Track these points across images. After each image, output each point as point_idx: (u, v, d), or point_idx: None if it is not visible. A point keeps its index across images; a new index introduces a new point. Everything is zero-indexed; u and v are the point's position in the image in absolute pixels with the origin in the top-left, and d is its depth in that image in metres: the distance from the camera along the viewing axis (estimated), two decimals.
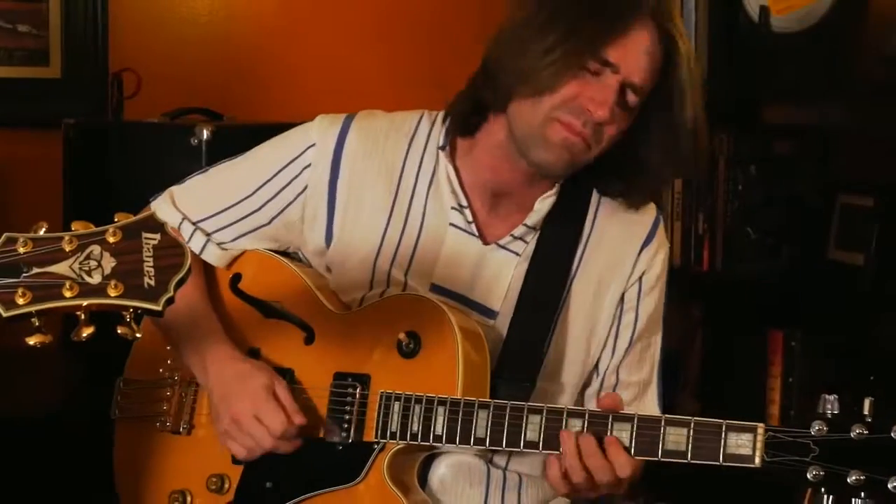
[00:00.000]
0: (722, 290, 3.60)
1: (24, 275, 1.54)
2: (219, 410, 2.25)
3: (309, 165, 2.30)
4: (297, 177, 2.31)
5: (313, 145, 2.31)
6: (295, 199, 2.31)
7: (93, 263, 1.55)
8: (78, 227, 1.58)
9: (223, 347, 2.28)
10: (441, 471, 2.28)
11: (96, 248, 1.56)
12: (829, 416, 1.95)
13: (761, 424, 2.00)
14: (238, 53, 4.12)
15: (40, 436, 3.27)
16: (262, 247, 2.37)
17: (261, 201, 2.33)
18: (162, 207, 2.36)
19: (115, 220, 1.59)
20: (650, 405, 2.37)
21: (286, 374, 2.27)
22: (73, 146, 3.48)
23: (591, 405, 2.33)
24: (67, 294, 1.54)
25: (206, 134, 3.20)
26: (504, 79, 2.16)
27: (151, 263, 1.56)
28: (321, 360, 2.27)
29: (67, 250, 1.56)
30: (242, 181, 2.35)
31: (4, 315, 1.54)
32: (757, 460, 1.99)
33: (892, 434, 1.92)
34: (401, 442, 2.17)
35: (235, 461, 2.28)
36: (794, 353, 3.39)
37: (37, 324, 1.55)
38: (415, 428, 2.15)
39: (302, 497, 2.22)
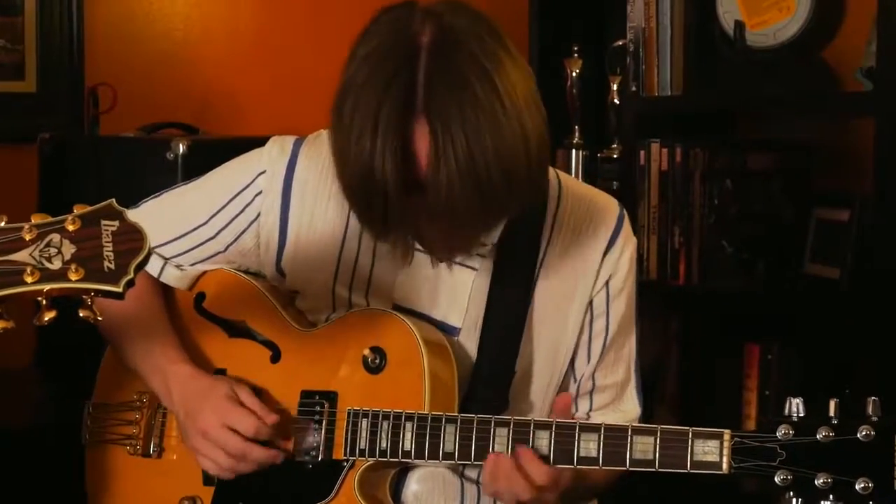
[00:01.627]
0: (698, 303, 3.58)
1: None
2: (186, 428, 2.23)
3: (260, 192, 2.26)
4: (249, 204, 2.27)
5: (263, 172, 2.26)
6: (248, 226, 2.28)
7: (53, 250, 1.59)
8: (37, 218, 1.61)
9: (181, 367, 2.26)
10: (414, 486, 2.25)
11: (56, 236, 1.59)
12: (795, 419, 1.94)
13: (727, 431, 1.98)
14: (213, 69, 4.12)
15: (10, 453, 3.21)
16: (221, 268, 2.35)
17: (215, 229, 2.30)
18: None
19: (73, 210, 1.62)
20: (629, 404, 2.34)
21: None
22: (48, 160, 3.47)
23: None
24: (28, 280, 1.57)
25: (181, 148, 3.19)
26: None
27: (111, 248, 1.60)
28: (288, 378, 2.25)
29: (27, 239, 1.59)
30: (196, 209, 2.31)
31: None
32: (724, 466, 1.97)
33: (859, 436, 1.90)
34: (370, 459, 2.15)
35: (207, 482, 2.26)
36: (770, 366, 3.36)
37: None
38: (383, 444, 2.14)
39: None
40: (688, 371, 3.63)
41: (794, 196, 3.43)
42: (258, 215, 2.26)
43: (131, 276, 1.59)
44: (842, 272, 3.21)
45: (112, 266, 1.59)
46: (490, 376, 2.22)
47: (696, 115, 3.63)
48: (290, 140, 2.29)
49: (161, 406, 2.33)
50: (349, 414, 2.17)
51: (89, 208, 1.63)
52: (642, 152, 3.63)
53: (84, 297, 1.60)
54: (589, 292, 2.26)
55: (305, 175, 2.25)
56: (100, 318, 1.61)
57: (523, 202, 2.02)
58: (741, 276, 3.43)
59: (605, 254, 2.25)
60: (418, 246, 2.17)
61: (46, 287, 1.57)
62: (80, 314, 1.60)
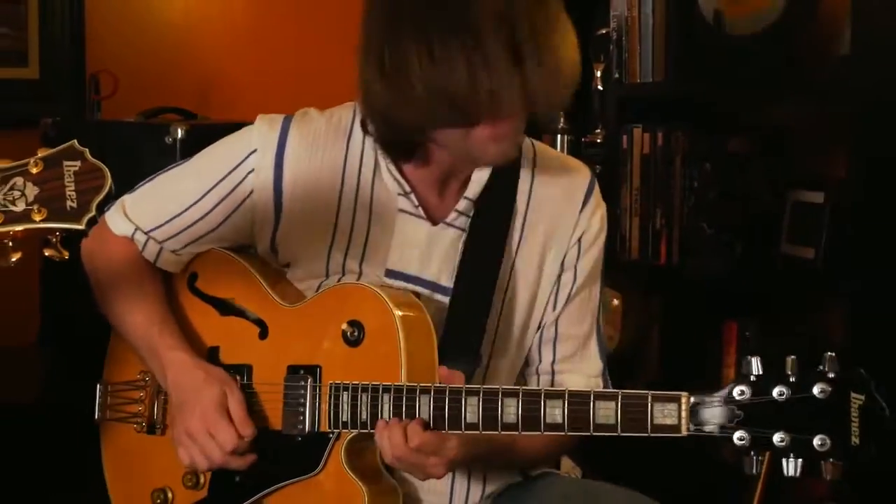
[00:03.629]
0: (679, 283, 3.60)
1: None
2: (174, 417, 2.27)
3: (252, 171, 2.27)
4: (241, 182, 2.28)
5: (255, 151, 2.27)
6: (241, 203, 2.29)
7: (16, 193, 1.60)
8: (1, 163, 1.64)
9: (177, 354, 2.28)
10: None
11: (19, 180, 1.62)
12: (753, 378, 1.92)
13: (685, 393, 1.98)
14: (211, 55, 4.12)
15: (16, 429, 3.23)
16: (214, 247, 2.36)
17: (207, 208, 2.30)
18: (114, 218, 2.34)
19: (38, 153, 1.65)
20: (592, 359, 2.37)
21: (245, 371, 2.28)
22: (51, 144, 3.34)
23: (532, 360, 2.35)
24: None
25: (180, 133, 3.22)
26: (428, 109, 2.06)
27: (73, 188, 1.61)
28: (275, 354, 2.26)
29: None
30: (189, 189, 2.31)
31: None
32: (683, 429, 1.97)
33: (815, 392, 1.89)
34: (353, 430, 2.17)
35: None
36: (747, 343, 3.37)
37: None
38: (364, 416, 2.15)
39: (268, 489, 2.24)
40: (668, 348, 3.66)
41: (771, 179, 3.40)
42: (251, 192, 2.27)
43: (93, 213, 1.62)
44: (816, 252, 3.21)
45: (74, 205, 1.60)
46: (460, 335, 2.24)
47: (677, 101, 3.63)
48: (278, 117, 2.30)
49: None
50: (331, 388, 2.18)
51: (52, 150, 1.65)
52: (625, 137, 3.66)
53: (49, 237, 1.62)
54: (565, 247, 2.31)
55: (297, 149, 2.26)
56: (65, 256, 1.64)
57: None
58: (720, 256, 3.44)
59: (579, 213, 2.31)
60: (419, 211, 2.24)
61: (11, 229, 1.60)
62: (46, 253, 1.63)
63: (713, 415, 1.94)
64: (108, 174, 1.64)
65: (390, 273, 2.27)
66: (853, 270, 3.03)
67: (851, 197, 3.07)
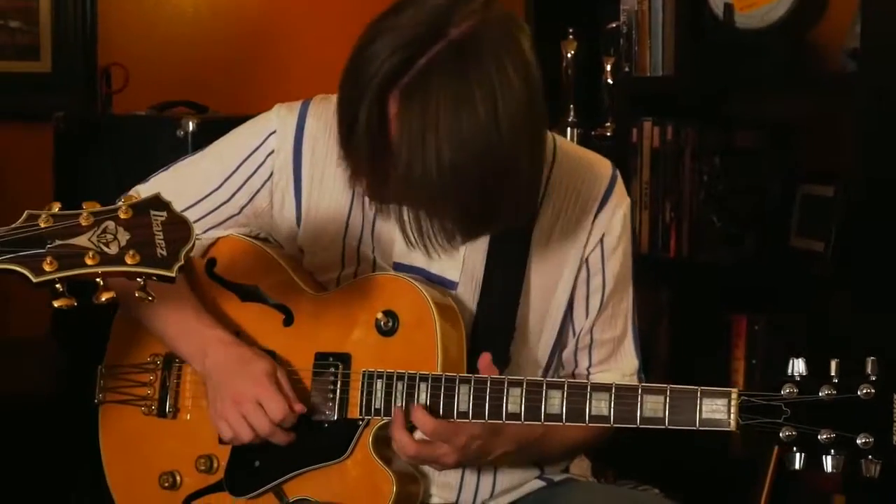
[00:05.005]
0: (688, 276, 3.59)
1: (49, 246, 1.65)
2: (217, 391, 2.21)
3: (272, 152, 2.26)
4: (261, 164, 2.27)
5: (274, 132, 2.26)
6: (262, 186, 2.27)
7: (109, 236, 1.67)
8: (89, 206, 1.69)
9: (220, 332, 2.24)
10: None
11: (111, 224, 1.68)
12: (798, 378, 1.97)
13: (735, 389, 2.00)
14: (223, 48, 4.13)
15: (28, 422, 3.26)
16: (233, 233, 2.33)
17: (229, 193, 2.29)
18: None
19: (120, 201, 1.71)
20: (627, 358, 2.34)
21: None
22: (62, 139, 3.48)
23: (568, 367, 2.34)
24: (89, 262, 1.65)
25: (191, 126, 3.21)
26: None
27: (161, 236, 1.69)
28: (301, 341, 2.24)
29: (84, 225, 1.67)
30: (208, 175, 2.30)
31: (34, 281, 1.64)
32: (732, 424, 1.99)
33: (859, 393, 1.93)
34: (385, 418, 2.15)
35: (223, 441, 2.24)
36: (756, 336, 3.37)
37: (60, 289, 1.66)
38: (398, 404, 2.13)
39: (291, 474, 2.20)
40: (678, 341, 3.64)
41: (780, 172, 3.43)
42: (271, 174, 2.26)
43: (182, 262, 1.68)
44: (826, 246, 3.21)
45: (164, 253, 1.68)
46: (491, 333, 2.22)
47: (687, 95, 3.64)
48: (297, 102, 2.29)
49: (176, 367, 2.31)
50: (364, 375, 2.16)
51: (138, 199, 1.72)
52: (635, 130, 3.65)
53: (138, 279, 1.67)
54: (581, 250, 2.26)
55: (315, 133, 2.25)
56: (151, 298, 1.69)
57: (482, 229, 2.07)
58: (729, 249, 3.44)
59: (597, 213, 2.25)
60: None
61: (106, 270, 1.65)
62: (136, 295, 1.68)
63: (761, 411, 1.97)
64: (193, 227, 1.72)
65: (398, 266, 2.25)
66: (862, 264, 3.03)
67: (861, 190, 3.07)
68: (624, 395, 2.04)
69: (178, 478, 2.28)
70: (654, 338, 3.65)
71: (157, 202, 1.72)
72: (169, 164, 2.36)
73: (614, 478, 2.82)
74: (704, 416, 2.00)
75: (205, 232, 2.32)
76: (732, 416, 1.99)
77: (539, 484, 2.33)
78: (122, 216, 1.69)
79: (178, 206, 2.26)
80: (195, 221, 2.21)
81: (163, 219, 1.71)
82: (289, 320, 2.26)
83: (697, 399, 2.00)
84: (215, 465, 2.26)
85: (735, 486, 3.03)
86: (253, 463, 2.22)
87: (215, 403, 2.20)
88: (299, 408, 2.16)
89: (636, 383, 2.19)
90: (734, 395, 1.99)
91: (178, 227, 1.71)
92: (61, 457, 3.14)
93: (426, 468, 2.22)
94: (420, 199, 2.00)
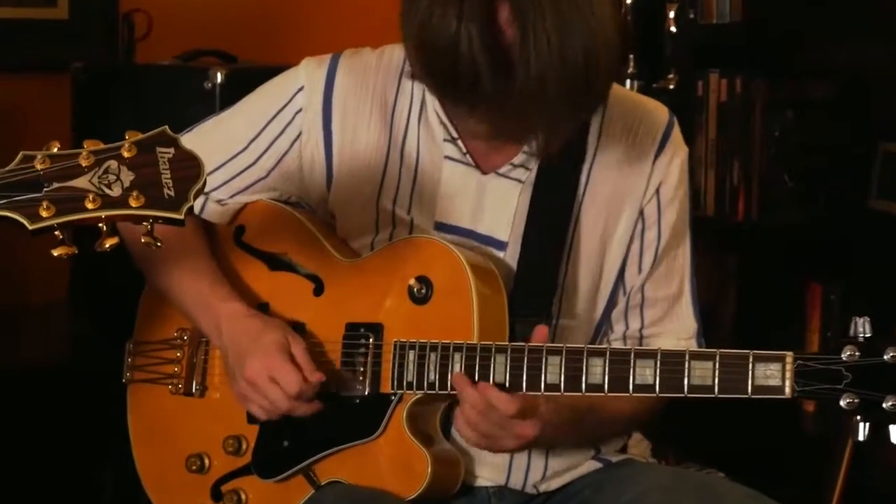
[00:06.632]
0: (757, 241, 3.59)
1: (46, 189, 1.61)
2: (234, 371, 2.23)
3: (300, 110, 2.28)
4: (289, 123, 2.28)
5: (301, 89, 2.28)
6: (290, 147, 2.29)
7: (112, 177, 1.63)
8: (91, 144, 1.65)
9: (233, 305, 2.26)
10: None
11: (113, 163, 1.64)
12: (861, 339, 1.92)
13: (790, 353, 1.96)
14: None
15: (48, 390, 3.29)
16: (262, 197, 2.35)
17: (256, 154, 2.30)
18: None
19: (126, 137, 1.66)
20: (684, 319, 2.34)
21: (297, 329, 2.26)
22: (81, 90, 3.46)
23: (618, 327, 2.33)
24: (90, 206, 1.61)
25: (220, 77, 3.20)
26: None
27: (169, 175, 1.64)
28: (332, 311, 2.25)
29: (84, 165, 1.63)
30: (234, 135, 2.32)
31: (30, 228, 1.61)
32: (787, 391, 1.96)
33: None
34: (418, 392, 2.15)
35: (251, 421, 2.27)
36: (832, 306, 3.38)
37: (60, 237, 1.62)
38: (431, 377, 2.13)
39: (321, 454, 2.22)
40: (745, 312, 3.64)
41: (858, 128, 3.43)
42: (299, 134, 2.27)
43: (191, 203, 1.64)
44: None
45: (171, 193, 1.63)
46: (531, 292, 2.22)
47: (757, 44, 3.60)
48: (326, 56, 2.29)
49: (203, 343, 2.35)
50: (395, 346, 2.16)
51: (143, 135, 1.66)
52: (700, 83, 3.66)
53: (144, 223, 1.64)
54: (639, 200, 2.27)
55: (345, 88, 2.26)
56: (160, 245, 1.66)
57: (597, 103, 2.11)
58: (802, 211, 3.46)
59: (655, 159, 2.27)
60: (467, 159, 2.22)
61: (107, 213, 1.62)
62: (143, 241, 1.65)
63: (819, 376, 1.94)
64: (203, 163, 1.67)
65: (440, 226, 2.25)
66: None
67: None
68: (670, 362, 2.02)
69: (205, 460, 2.32)
70: (719, 309, 3.64)
71: (164, 137, 1.67)
72: (193, 123, 2.38)
73: (676, 460, 2.82)
74: (757, 382, 1.97)
75: (232, 197, 2.34)
76: (787, 382, 1.95)
77: (595, 465, 2.33)
78: (126, 154, 1.64)
79: None
80: (220, 186, 2.33)
81: (170, 156, 1.65)
82: (319, 290, 2.28)
83: (749, 364, 1.98)
84: (244, 446, 2.29)
85: (807, 468, 3.08)
86: (281, 443, 2.24)
87: (235, 383, 2.23)
88: (316, 377, 2.17)
89: (692, 348, 2.19)
90: (789, 360, 1.95)
91: (187, 165, 1.65)
92: (81, 425, 3.18)
93: (473, 447, 2.20)
94: (542, 101, 2.01)
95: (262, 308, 2.31)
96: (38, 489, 3.24)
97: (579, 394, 2.07)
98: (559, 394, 2.08)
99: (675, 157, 2.28)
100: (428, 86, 2.14)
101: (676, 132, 2.30)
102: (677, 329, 2.33)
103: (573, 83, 1.99)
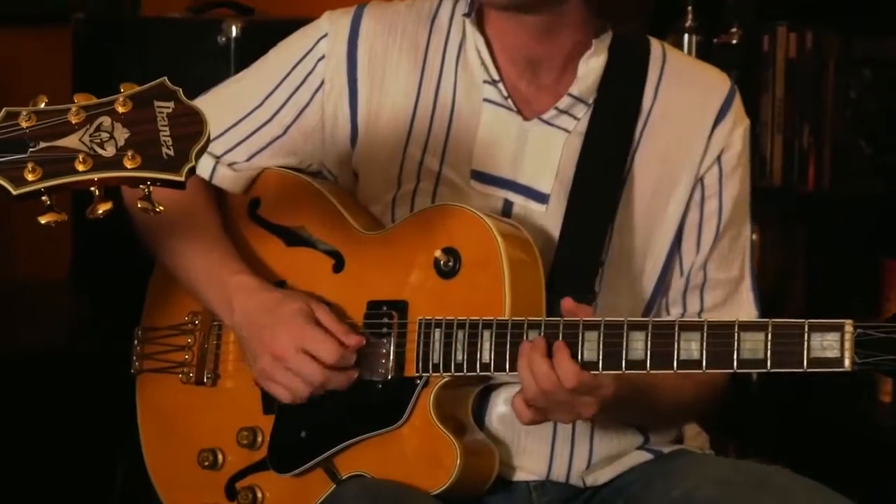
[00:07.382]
0: (830, 212, 3.59)
1: (32, 150, 1.58)
2: (254, 350, 2.20)
3: (323, 57, 2.27)
4: (311, 72, 2.28)
5: (325, 36, 2.28)
6: (311, 98, 2.27)
7: (104, 135, 1.59)
8: (82, 99, 1.61)
9: (245, 278, 2.24)
10: (501, 408, 2.22)
11: (106, 119, 1.60)
12: None
13: (849, 321, 1.93)
14: None
15: (47, 370, 3.23)
16: (280, 163, 2.33)
17: (273, 109, 2.29)
18: None
19: (122, 90, 1.62)
20: (745, 306, 2.32)
21: None
22: (83, 44, 3.43)
23: (675, 310, 2.31)
24: (80, 168, 1.57)
25: (234, 31, 3.17)
26: None
27: (168, 132, 1.60)
28: (352, 288, 2.23)
29: (74, 122, 1.59)
30: (250, 91, 2.32)
31: (14, 193, 1.57)
32: (847, 363, 1.92)
33: None
34: (445, 375, 2.12)
35: (267, 411, 2.25)
36: None
37: (48, 202, 1.58)
38: (459, 357, 2.11)
39: (341, 445, 2.19)
40: (816, 289, 3.62)
41: None
42: (321, 83, 2.26)
43: (193, 163, 1.58)
44: None
45: (171, 152, 1.59)
46: (573, 262, 2.20)
47: None
48: (349, 7, 2.29)
49: (215, 328, 2.32)
50: (420, 325, 2.14)
51: (139, 88, 1.61)
52: (766, 37, 3.64)
53: (141, 186, 1.59)
54: (697, 166, 2.25)
55: (372, 32, 2.26)
56: (159, 210, 1.61)
57: None
58: (880, 180, 3.46)
59: (714, 124, 2.25)
60: (508, 103, 2.21)
61: (99, 176, 1.57)
62: (139, 206, 1.59)
63: (883, 346, 1.90)
64: (206, 118, 1.61)
65: (477, 175, 2.23)
66: None
67: None
68: (718, 334, 1.98)
69: (219, 455, 2.29)
70: (785, 288, 3.63)
71: (163, 90, 1.62)
72: (206, 85, 2.35)
73: (736, 453, 2.87)
74: (813, 354, 1.93)
75: (248, 160, 2.32)
76: (847, 353, 1.91)
77: (645, 456, 2.30)
78: (120, 109, 1.59)
79: (214, 131, 2.28)
80: (233, 147, 2.31)
81: (169, 110, 1.60)
82: (339, 265, 2.25)
83: (805, 334, 1.94)
84: (259, 438, 2.26)
85: (881, 464, 3.13)
86: (298, 433, 2.21)
87: (256, 364, 2.19)
88: (354, 340, 2.15)
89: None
90: (848, 328, 1.91)
91: (188, 120, 1.61)
92: (80, 405, 3.15)
93: (510, 437, 2.20)
94: None
95: (279, 286, 2.29)
96: (39, 489, 3.19)
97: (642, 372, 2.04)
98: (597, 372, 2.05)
99: (738, 126, 2.27)
100: None
101: (738, 102, 2.29)
102: (739, 317, 2.21)
103: None
